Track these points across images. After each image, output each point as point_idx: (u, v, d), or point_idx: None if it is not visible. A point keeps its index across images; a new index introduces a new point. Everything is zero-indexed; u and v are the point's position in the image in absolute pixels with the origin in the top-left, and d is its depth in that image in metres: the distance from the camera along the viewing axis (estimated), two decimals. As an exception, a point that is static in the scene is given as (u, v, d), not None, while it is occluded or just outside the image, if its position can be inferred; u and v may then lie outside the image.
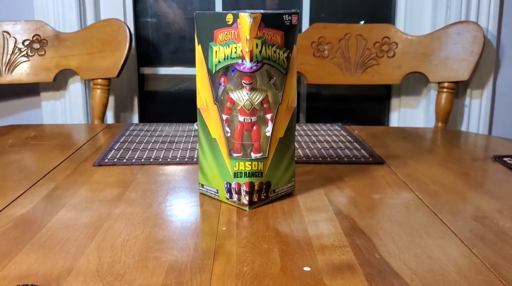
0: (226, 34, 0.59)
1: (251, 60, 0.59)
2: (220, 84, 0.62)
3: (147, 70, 1.50)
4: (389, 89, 1.50)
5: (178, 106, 1.55)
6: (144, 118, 1.54)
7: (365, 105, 1.56)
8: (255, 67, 0.59)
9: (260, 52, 0.59)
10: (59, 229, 0.57)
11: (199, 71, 0.64)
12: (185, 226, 0.58)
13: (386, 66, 1.29)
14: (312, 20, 1.44)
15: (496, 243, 0.54)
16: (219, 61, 0.61)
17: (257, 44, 0.59)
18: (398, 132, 1.10)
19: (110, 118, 1.45)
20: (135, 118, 1.50)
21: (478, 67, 1.33)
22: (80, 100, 1.38)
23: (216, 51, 0.61)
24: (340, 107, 1.55)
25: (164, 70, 1.50)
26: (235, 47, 0.59)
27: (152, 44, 1.49)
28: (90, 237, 0.54)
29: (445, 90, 1.28)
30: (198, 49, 0.63)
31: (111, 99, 1.44)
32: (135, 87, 1.49)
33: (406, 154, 0.90)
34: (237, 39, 0.59)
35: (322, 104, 1.54)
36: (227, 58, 0.60)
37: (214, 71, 0.62)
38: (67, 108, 1.39)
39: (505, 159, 0.87)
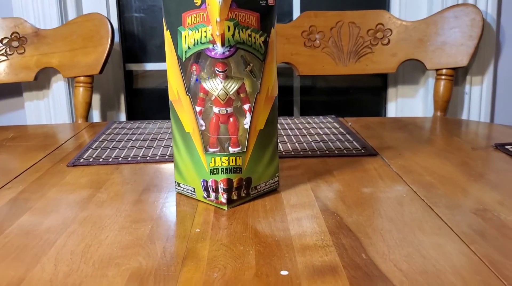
0: (194, 17, 0.54)
1: (222, 45, 0.54)
2: (192, 73, 0.56)
3: (133, 66, 1.45)
4: (385, 79, 1.44)
5: (168, 104, 1.50)
6: (132, 116, 1.49)
7: (361, 97, 1.50)
8: (228, 53, 0.54)
9: (233, 35, 0.54)
10: (18, 235, 0.52)
11: (169, 60, 0.59)
12: (155, 229, 0.53)
13: (380, 54, 1.24)
14: (303, 8, 1.39)
15: (497, 238, 0.49)
16: (188, 47, 0.56)
17: (228, 27, 0.53)
18: (394, 122, 1.05)
19: (96, 117, 1.40)
20: (122, 117, 1.45)
21: (477, 52, 1.27)
22: (63, 99, 1.33)
23: (185, 36, 0.56)
24: (335, 99, 1.50)
25: (150, 66, 1.45)
26: (205, 31, 0.54)
27: (138, 40, 1.43)
28: (50, 244, 0.50)
29: (443, 77, 1.22)
30: (167, 35, 0.58)
31: (97, 98, 1.39)
32: (121, 85, 1.44)
33: (402, 145, 0.85)
34: (206, 21, 0.53)
35: (316, 97, 1.49)
36: (197, 43, 0.55)
37: (184, 59, 0.56)
38: (50, 108, 1.34)
39: (507, 147, 0.82)
